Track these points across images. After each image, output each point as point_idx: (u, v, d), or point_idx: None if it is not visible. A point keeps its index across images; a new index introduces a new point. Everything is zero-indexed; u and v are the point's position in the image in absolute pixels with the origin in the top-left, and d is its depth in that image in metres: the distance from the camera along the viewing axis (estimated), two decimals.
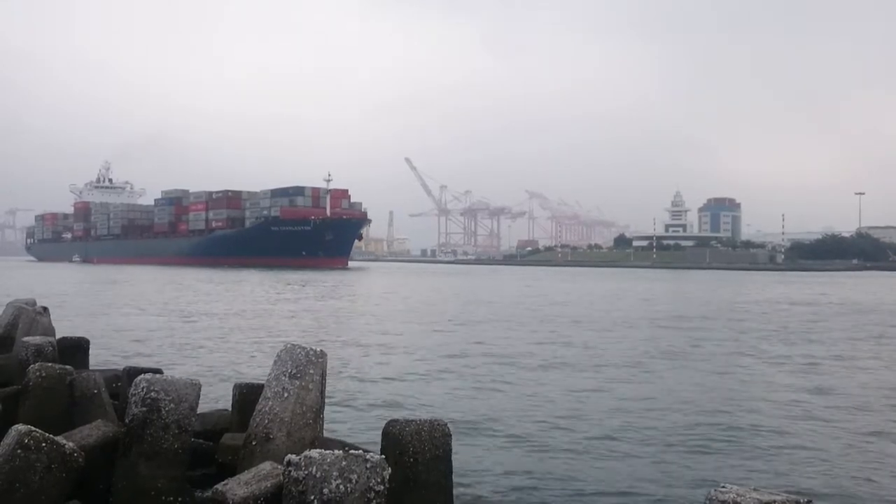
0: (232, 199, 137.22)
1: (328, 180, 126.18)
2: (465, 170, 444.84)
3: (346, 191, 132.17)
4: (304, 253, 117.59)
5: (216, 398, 12.55)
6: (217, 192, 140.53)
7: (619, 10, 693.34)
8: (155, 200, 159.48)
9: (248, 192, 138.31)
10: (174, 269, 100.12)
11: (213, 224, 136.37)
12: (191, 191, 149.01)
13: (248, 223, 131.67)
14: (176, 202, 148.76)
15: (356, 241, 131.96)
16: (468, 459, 9.79)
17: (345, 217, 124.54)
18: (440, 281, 77.01)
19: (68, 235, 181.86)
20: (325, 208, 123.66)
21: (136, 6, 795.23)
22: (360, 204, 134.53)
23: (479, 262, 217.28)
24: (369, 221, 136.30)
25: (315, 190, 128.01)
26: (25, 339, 9.62)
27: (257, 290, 52.72)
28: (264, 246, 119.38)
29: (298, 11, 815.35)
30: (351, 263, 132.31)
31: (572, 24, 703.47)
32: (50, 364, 7.94)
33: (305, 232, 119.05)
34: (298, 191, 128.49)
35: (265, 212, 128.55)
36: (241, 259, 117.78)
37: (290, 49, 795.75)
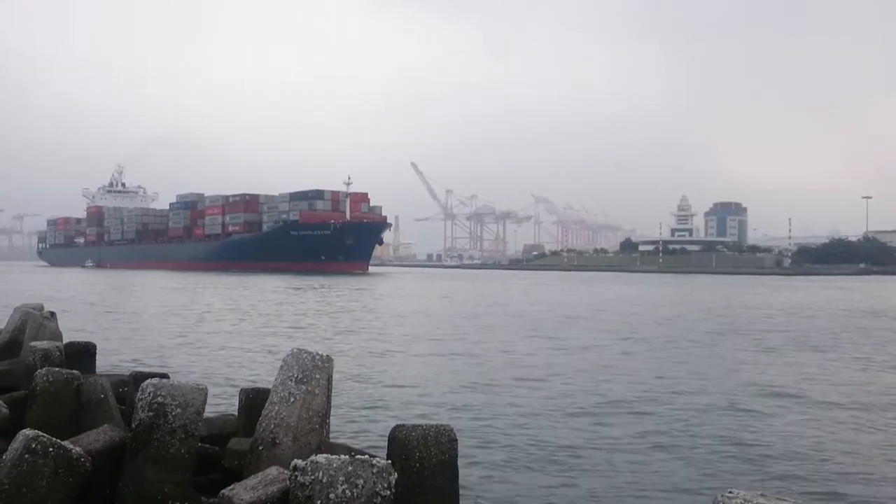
0: (249, 203, 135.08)
1: (348, 183, 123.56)
2: (471, 174, 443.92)
3: (366, 194, 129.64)
4: (323, 258, 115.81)
5: (223, 403, 12.57)
6: (234, 196, 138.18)
7: (622, 12, 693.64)
8: (170, 204, 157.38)
9: (266, 196, 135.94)
10: (189, 275, 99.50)
11: (230, 228, 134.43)
12: (206, 195, 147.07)
13: (265, 227, 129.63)
14: (191, 206, 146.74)
15: (377, 245, 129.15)
16: (474, 464, 9.78)
17: (365, 221, 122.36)
18: (451, 285, 77.02)
19: (81, 240, 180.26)
20: (344, 212, 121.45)
21: (140, 8, 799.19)
22: (380, 207, 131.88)
23: (484, 266, 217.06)
24: (389, 225, 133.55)
25: (335, 193, 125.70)
26: (33, 343, 9.66)
27: (271, 295, 52.61)
28: (283, 250, 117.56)
29: (298, 12, 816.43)
30: (371, 269, 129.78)
31: (576, 27, 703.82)
32: (57, 369, 7.98)
33: (325, 236, 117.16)
34: (318, 194, 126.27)
35: (284, 215, 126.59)
36: (259, 264, 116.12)
37: (292, 53, 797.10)
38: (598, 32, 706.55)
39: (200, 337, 24.85)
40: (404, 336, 26.19)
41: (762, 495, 3.96)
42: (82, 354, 10.71)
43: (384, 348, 22.47)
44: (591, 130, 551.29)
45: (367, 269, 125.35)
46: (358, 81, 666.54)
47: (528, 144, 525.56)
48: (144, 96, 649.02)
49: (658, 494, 8.98)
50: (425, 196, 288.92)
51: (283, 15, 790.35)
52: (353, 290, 60.95)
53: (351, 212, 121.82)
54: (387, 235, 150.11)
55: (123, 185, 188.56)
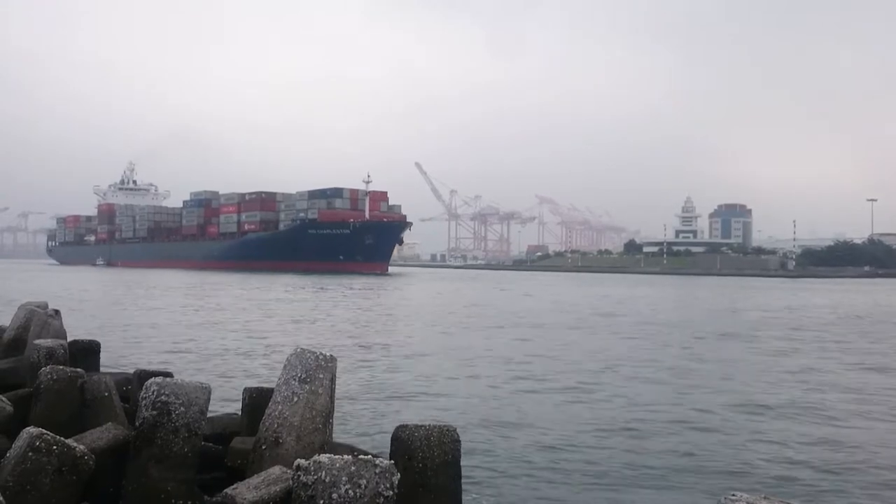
0: (266, 201, 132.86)
1: (367, 181, 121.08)
2: (475, 174, 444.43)
3: (385, 193, 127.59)
4: (341, 257, 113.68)
5: (226, 402, 12.57)
6: (250, 194, 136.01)
7: (625, 12, 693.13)
8: (183, 202, 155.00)
9: (283, 194, 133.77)
10: (203, 274, 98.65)
11: (246, 227, 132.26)
12: (221, 192, 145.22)
13: (282, 226, 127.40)
14: (206, 204, 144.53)
15: (397, 245, 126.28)
16: (478, 465, 9.77)
17: (385, 220, 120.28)
18: (462, 287, 77.07)
19: (91, 238, 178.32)
20: (363, 211, 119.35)
21: (144, 7, 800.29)
22: (399, 206, 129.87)
23: (488, 266, 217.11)
24: (410, 224, 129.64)
25: (353, 191, 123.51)
26: (37, 341, 9.66)
27: (283, 295, 52.24)
28: (300, 250, 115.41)
29: (299, 12, 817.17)
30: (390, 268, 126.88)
31: (579, 27, 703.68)
32: (61, 367, 7.97)
33: (344, 235, 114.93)
34: (337, 192, 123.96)
35: (302, 214, 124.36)
36: (276, 263, 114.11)
37: (292, 53, 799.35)
38: (601, 32, 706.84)
39: (205, 336, 24.88)
40: (410, 336, 26.19)
41: (765, 498, 3.95)
42: (86, 352, 10.72)
43: (390, 349, 22.46)
44: (595, 131, 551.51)
45: (387, 269, 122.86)
46: (360, 82, 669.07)
47: (532, 145, 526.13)
48: (150, 95, 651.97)
49: (661, 496, 8.97)
50: (429, 196, 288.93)
51: (285, 15, 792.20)
52: (370, 290, 60.53)
53: (370, 210, 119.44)
54: None
55: (135, 182, 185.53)
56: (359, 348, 22.33)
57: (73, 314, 27.10)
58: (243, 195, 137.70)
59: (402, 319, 33.53)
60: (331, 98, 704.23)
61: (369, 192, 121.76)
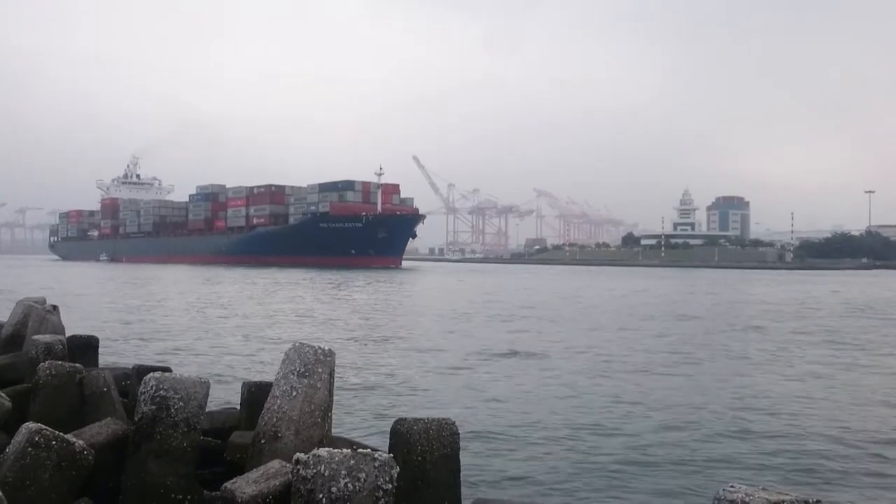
0: (275, 194, 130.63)
1: (379, 174, 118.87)
2: (473, 168, 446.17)
3: (397, 185, 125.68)
4: (353, 251, 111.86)
5: (225, 396, 12.58)
6: (259, 187, 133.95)
7: (625, 9, 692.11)
8: (189, 196, 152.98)
9: (292, 187, 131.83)
10: (209, 268, 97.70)
11: (255, 220, 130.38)
12: (228, 186, 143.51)
13: (291, 219, 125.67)
14: (212, 198, 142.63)
15: (410, 239, 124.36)
16: (477, 459, 9.79)
17: (398, 213, 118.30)
18: (468, 280, 77.03)
19: (95, 233, 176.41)
20: (375, 204, 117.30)
21: (143, 4, 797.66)
22: (412, 199, 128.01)
23: (486, 260, 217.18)
24: (423, 217, 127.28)
25: (366, 184, 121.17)
26: (35, 337, 9.65)
27: (289, 289, 52.03)
28: (311, 244, 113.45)
29: (300, 10, 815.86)
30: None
31: (580, 24, 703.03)
32: (60, 362, 7.97)
33: (356, 229, 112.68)
34: (348, 185, 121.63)
35: (312, 207, 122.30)
36: (285, 258, 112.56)
37: (294, 50, 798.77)
38: (601, 29, 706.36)
39: (205, 331, 24.87)
40: (411, 332, 26.20)
41: (763, 489, 3.96)
42: (85, 348, 10.71)
43: (392, 343, 22.48)
44: (593, 125, 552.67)
45: (401, 263, 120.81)
46: (360, 80, 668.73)
47: (531, 140, 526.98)
48: (150, 93, 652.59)
49: (661, 487, 8.99)
50: (427, 190, 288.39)
51: (285, 15, 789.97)
52: (380, 284, 60.16)
53: (382, 203, 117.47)
54: None
55: (138, 176, 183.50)
56: (359, 343, 22.34)
57: (72, 310, 27.09)
58: (251, 188, 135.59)
59: (406, 314, 33.52)
60: (331, 96, 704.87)
61: (381, 184, 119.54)
